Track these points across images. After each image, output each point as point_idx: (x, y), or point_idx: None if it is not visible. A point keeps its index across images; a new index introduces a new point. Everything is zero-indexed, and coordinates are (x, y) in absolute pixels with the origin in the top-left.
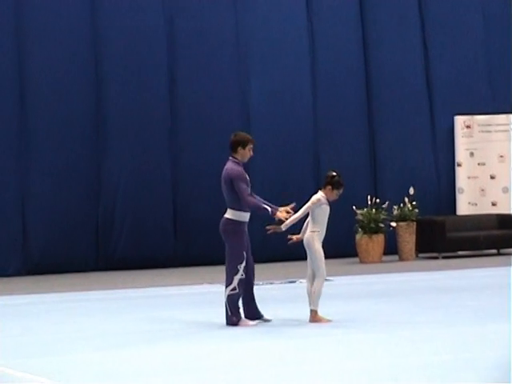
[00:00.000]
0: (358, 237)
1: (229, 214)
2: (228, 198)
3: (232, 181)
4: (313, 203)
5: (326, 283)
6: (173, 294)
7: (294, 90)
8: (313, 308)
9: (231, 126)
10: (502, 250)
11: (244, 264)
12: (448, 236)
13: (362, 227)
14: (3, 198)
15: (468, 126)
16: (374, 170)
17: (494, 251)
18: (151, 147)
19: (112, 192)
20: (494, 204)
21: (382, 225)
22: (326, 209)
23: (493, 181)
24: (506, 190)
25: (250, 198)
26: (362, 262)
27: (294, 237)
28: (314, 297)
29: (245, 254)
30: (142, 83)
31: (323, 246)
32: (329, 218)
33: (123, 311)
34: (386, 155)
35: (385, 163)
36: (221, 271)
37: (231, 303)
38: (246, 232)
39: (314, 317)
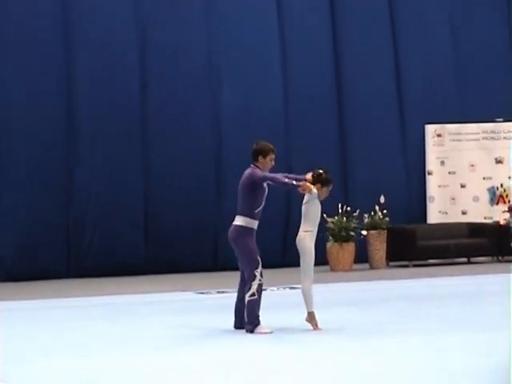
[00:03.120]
0: (328, 245)
1: (239, 221)
2: (242, 203)
3: (255, 182)
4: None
5: (295, 291)
6: (145, 302)
7: (265, 100)
8: (308, 310)
9: (203, 136)
10: (473, 259)
11: (260, 269)
12: (419, 244)
13: (332, 235)
14: None
15: (439, 135)
16: (344, 179)
17: (464, 260)
18: (122, 155)
19: (83, 199)
20: (464, 213)
21: (352, 233)
22: (319, 206)
23: (463, 189)
24: (476, 198)
25: (282, 178)
26: (332, 270)
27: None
28: (306, 299)
29: (259, 258)
30: (114, 92)
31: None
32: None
33: (94, 318)
34: (356, 164)
35: (355, 172)
36: (191, 278)
37: (250, 309)
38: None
39: (311, 319)
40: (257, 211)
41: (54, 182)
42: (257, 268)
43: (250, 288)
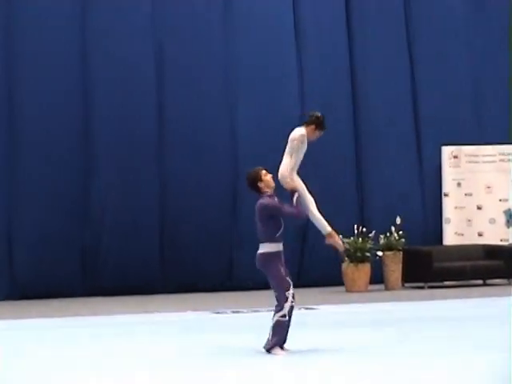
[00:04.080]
0: (344, 266)
1: (264, 248)
2: (263, 230)
3: (271, 211)
4: (299, 141)
5: (310, 312)
6: (159, 321)
7: (282, 117)
8: (326, 232)
9: (219, 152)
10: (488, 281)
11: (292, 290)
12: (434, 266)
13: (348, 256)
14: None
15: (455, 157)
16: (361, 199)
17: (480, 282)
18: (139, 173)
19: (99, 217)
20: (480, 234)
21: (368, 254)
22: (305, 147)
23: (480, 211)
24: (492, 220)
25: (301, 211)
26: (348, 290)
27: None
28: (319, 224)
29: (289, 279)
30: (131, 108)
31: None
32: (314, 245)
33: (110, 337)
34: (373, 184)
35: (372, 192)
36: (206, 298)
37: (277, 328)
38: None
39: (332, 237)
40: (278, 235)
41: (69, 200)
42: (288, 290)
43: (281, 309)
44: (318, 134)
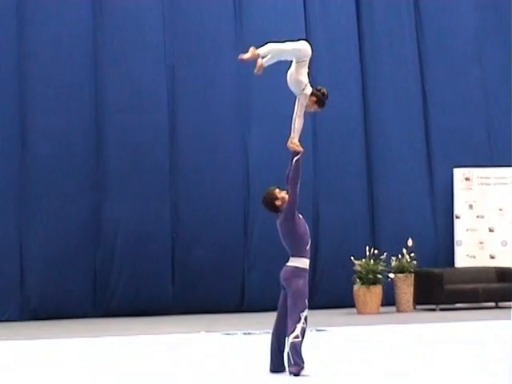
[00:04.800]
0: (355, 287)
1: (295, 262)
2: (290, 244)
3: (287, 216)
4: (307, 99)
5: (321, 333)
6: (171, 342)
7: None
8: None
9: (231, 174)
10: (501, 304)
11: (306, 313)
12: (446, 288)
13: (359, 278)
14: (1, 242)
15: (467, 179)
16: (372, 221)
17: (492, 304)
18: (151, 194)
19: (111, 238)
20: (492, 257)
21: (380, 276)
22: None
23: (492, 234)
24: (504, 243)
25: (294, 182)
26: (359, 312)
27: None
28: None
29: (307, 302)
30: (143, 130)
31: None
32: (326, 267)
33: (121, 357)
34: (384, 206)
35: (383, 214)
36: (218, 319)
37: (294, 351)
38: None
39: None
40: (307, 248)
41: (81, 223)
42: (303, 311)
43: (294, 330)
44: (315, 107)
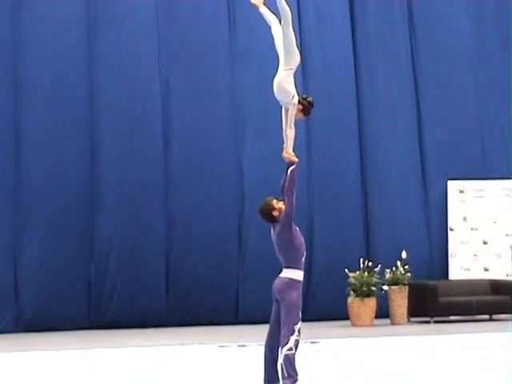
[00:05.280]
0: (349, 300)
1: (289, 274)
2: (287, 255)
3: (284, 226)
4: (296, 109)
5: (315, 345)
6: (165, 354)
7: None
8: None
9: (225, 186)
10: (495, 316)
11: (299, 325)
12: (440, 300)
13: (354, 290)
14: None
15: (461, 191)
16: (366, 233)
17: (486, 317)
18: (145, 206)
19: (105, 250)
20: (486, 269)
21: (374, 288)
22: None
23: (485, 246)
24: (498, 255)
25: (291, 191)
26: (353, 325)
27: None
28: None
29: (300, 314)
30: (137, 143)
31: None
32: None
33: (118, 371)
34: (378, 218)
35: (378, 226)
36: (212, 332)
37: (287, 363)
38: None
39: None
40: (303, 260)
41: (76, 235)
42: (296, 324)
43: (287, 342)
44: (300, 116)
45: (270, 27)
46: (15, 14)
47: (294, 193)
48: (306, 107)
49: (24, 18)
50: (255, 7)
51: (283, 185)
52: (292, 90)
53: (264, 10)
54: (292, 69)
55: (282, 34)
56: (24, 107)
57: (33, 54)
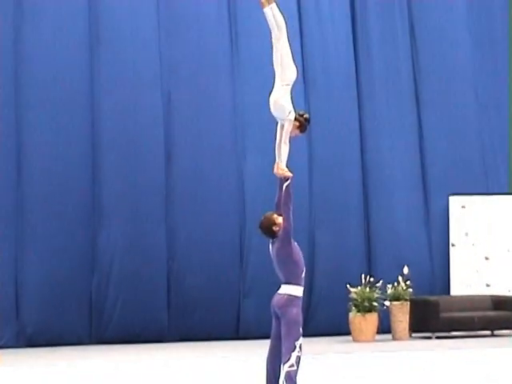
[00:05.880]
0: (351, 315)
1: (289, 290)
2: (286, 271)
3: (284, 242)
4: (290, 121)
5: (317, 361)
6: (166, 369)
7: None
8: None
9: (227, 201)
10: (496, 332)
11: (301, 341)
12: (442, 316)
13: (355, 306)
14: None
15: (463, 207)
16: (368, 249)
17: (488, 332)
18: (146, 221)
19: (106, 264)
20: (488, 285)
21: (375, 304)
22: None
23: (487, 262)
24: (500, 271)
25: (287, 206)
26: (355, 340)
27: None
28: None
29: (301, 330)
30: (139, 157)
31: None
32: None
33: None
34: (380, 234)
35: (379, 242)
36: (214, 347)
37: (289, 380)
38: None
39: None
40: (302, 276)
41: (77, 250)
42: (297, 340)
43: (289, 359)
44: (296, 132)
45: (270, 33)
46: (17, 30)
47: (291, 208)
48: (302, 124)
49: (25, 33)
50: (261, 6)
51: (278, 201)
52: (289, 106)
53: (269, 11)
54: (288, 85)
55: (277, 47)
56: (25, 123)
57: (35, 69)
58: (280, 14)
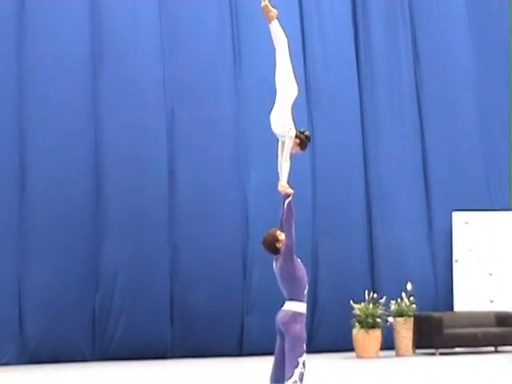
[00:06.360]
0: (354, 331)
1: (293, 307)
2: (289, 287)
3: (286, 258)
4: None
5: (320, 378)
6: None
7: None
8: None
9: (230, 217)
10: (500, 348)
11: (304, 357)
12: (445, 332)
13: (359, 322)
14: (0, 284)
15: (466, 223)
16: (371, 265)
17: (491, 349)
18: (150, 237)
19: (110, 281)
20: (491, 301)
21: (379, 320)
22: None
23: (491, 278)
24: (504, 287)
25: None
26: (358, 356)
27: None
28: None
29: (305, 346)
30: (142, 173)
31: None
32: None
33: None
34: (383, 250)
35: (383, 258)
36: (216, 363)
37: None
38: None
39: None
40: (305, 292)
41: (80, 265)
42: (301, 356)
43: (292, 375)
44: (297, 150)
45: (275, 50)
46: (19, 48)
47: (293, 224)
48: (303, 141)
49: (27, 51)
50: (267, 21)
51: (281, 218)
52: (289, 123)
53: (271, 27)
54: (289, 102)
55: (279, 63)
56: (29, 139)
57: (38, 88)
58: (282, 31)
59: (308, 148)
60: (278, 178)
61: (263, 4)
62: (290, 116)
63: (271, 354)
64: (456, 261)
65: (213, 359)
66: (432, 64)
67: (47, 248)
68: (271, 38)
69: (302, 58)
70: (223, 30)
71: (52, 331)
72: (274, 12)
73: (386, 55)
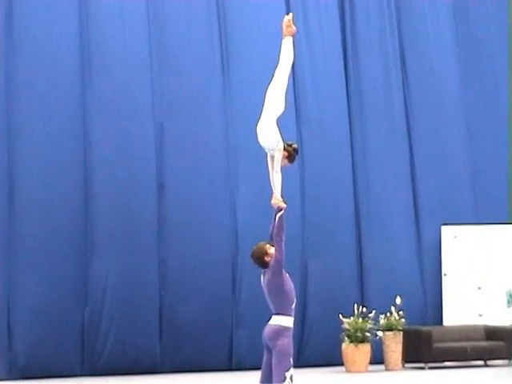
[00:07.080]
0: (344, 345)
1: (280, 321)
2: (277, 301)
3: (275, 272)
4: (280, 150)
5: None
6: None
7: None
8: None
9: (219, 232)
10: (489, 362)
11: (291, 372)
12: (434, 346)
13: (348, 336)
14: None
15: (455, 237)
16: (360, 279)
17: (481, 362)
18: (139, 251)
19: (99, 296)
20: (480, 315)
21: (368, 334)
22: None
23: (480, 292)
24: (493, 301)
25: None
26: (348, 371)
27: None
28: None
29: (292, 360)
30: (131, 187)
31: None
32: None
33: None
34: (373, 264)
35: (372, 272)
36: (206, 378)
37: None
38: None
39: None
40: (293, 306)
41: (69, 281)
42: (288, 370)
43: None
44: (285, 162)
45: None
46: (7, 59)
47: (283, 239)
48: (291, 154)
49: (16, 63)
50: (284, 34)
51: (272, 232)
52: (277, 135)
53: (288, 43)
54: (276, 115)
55: (277, 77)
56: (17, 152)
57: (26, 100)
58: (292, 49)
59: (296, 161)
60: (273, 192)
61: (288, 18)
62: (277, 129)
63: (260, 368)
64: (445, 275)
65: (202, 374)
66: (421, 80)
67: (36, 263)
68: (279, 51)
69: (291, 79)
70: (212, 44)
71: (41, 347)
72: (293, 28)
73: (375, 73)
